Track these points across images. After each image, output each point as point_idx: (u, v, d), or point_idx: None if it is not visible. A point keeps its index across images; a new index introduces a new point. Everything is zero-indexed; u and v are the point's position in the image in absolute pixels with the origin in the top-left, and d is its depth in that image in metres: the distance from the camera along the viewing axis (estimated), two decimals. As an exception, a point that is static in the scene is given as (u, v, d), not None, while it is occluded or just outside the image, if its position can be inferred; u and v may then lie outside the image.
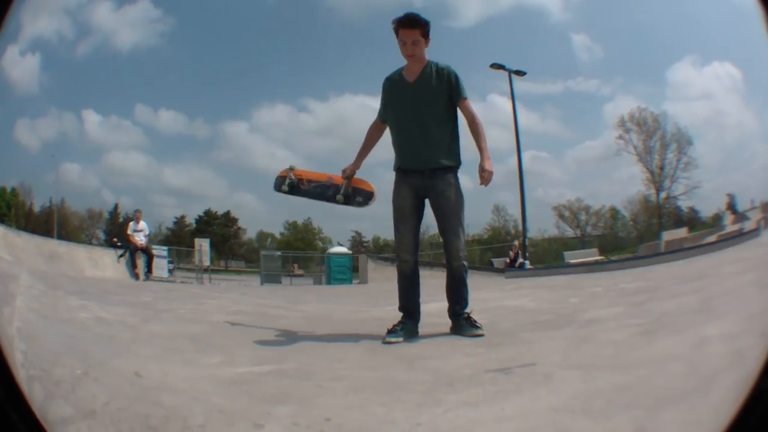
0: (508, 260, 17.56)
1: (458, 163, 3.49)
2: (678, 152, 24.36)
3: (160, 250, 12.30)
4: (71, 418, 1.70)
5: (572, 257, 18.04)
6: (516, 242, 19.44)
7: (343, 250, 25.64)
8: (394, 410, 1.81)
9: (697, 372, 1.94)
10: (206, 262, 15.63)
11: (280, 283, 18.88)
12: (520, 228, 19.34)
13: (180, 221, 29.56)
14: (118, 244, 11.68)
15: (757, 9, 1.44)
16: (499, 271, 15.30)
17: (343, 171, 3.79)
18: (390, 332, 3.23)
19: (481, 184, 3.36)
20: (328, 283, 19.05)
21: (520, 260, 16.48)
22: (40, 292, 4.28)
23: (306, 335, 3.61)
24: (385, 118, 3.67)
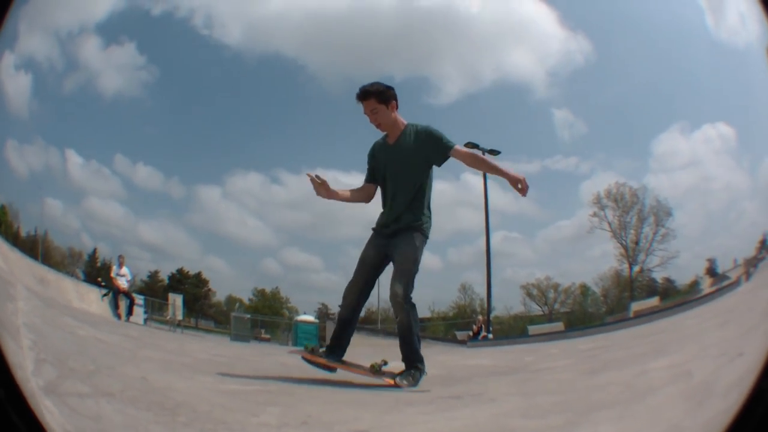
0: (471, 333, 16.81)
1: (422, 223, 3.35)
2: (655, 225, 23.97)
3: (138, 298, 12.20)
4: (89, 394, 1.88)
5: (536, 330, 17.10)
6: (480, 316, 18.41)
7: (311, 318, 25.25)
8: (363, 414, 2.11)
9: (634, 389, 2.15)
10: (179, 317, 15.39)
11: (249, 343, 18.63)
12: (486, 306, 18.66)
13: (153, 275, 28.99)
14: (102, 283, 11.56)
15: (757, 8, 1.53)
16: (462, 342, 15.14)
17: (322, 181, 3.36)
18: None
19: (523, 194, 3.16)
20: (295, 346, 18.75)
21: (484, 333, 16.10)
22: (37, 306, 4.33)
23: (282, 373, 3.79)
24: (370, 180, 3.55)
